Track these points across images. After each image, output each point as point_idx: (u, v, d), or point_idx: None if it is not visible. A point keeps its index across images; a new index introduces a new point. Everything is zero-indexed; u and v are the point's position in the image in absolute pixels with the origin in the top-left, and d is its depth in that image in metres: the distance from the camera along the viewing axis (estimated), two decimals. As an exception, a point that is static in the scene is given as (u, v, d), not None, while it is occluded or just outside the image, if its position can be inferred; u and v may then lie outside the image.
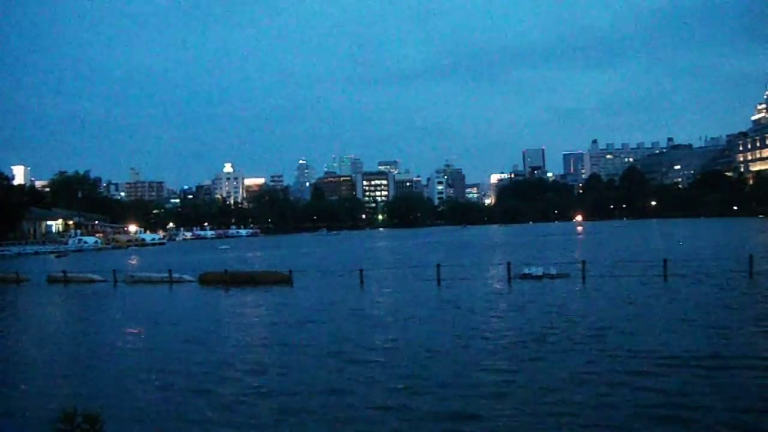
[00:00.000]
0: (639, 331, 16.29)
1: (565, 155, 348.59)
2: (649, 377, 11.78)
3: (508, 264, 30.15)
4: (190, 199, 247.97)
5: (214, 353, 15.78)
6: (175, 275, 34.96)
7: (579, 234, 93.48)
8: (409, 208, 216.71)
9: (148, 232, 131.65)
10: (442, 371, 12.73)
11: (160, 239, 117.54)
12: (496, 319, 19.18)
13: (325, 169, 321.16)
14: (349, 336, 17.00)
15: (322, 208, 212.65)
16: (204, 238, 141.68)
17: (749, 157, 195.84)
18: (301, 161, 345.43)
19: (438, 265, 30.96)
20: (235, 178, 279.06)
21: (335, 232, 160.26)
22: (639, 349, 14.04)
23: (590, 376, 11.96)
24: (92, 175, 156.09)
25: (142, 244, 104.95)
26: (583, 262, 29.75)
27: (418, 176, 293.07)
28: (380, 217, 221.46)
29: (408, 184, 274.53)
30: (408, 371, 12.88)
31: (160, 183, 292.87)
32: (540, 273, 29.65)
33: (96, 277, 38.23)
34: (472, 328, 17.57)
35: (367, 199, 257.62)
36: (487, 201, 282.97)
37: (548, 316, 18.91)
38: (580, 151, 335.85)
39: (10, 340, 19.71)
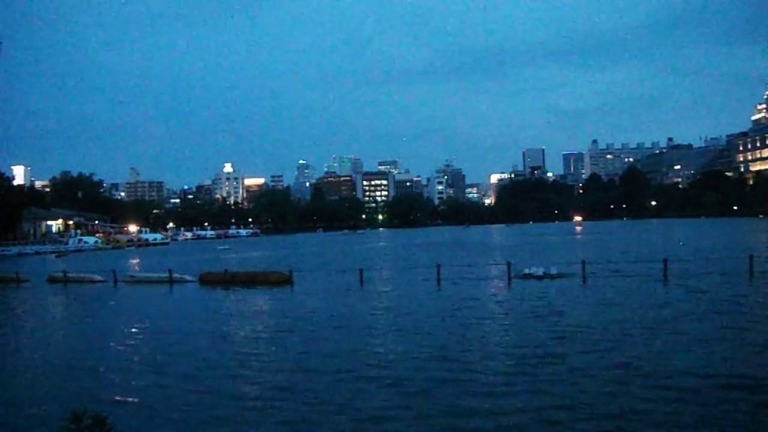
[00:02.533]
0: (639, 344, 15.03)
1: (565, 155, 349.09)
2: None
3: (509, 264, 30.17)
4: (190, 199, 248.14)
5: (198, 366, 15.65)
6: (175, 275, 34.96)
7: (579, 234, 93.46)
8: (409, 208, 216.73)
9: (160, 231, 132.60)
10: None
11: (162, 239, 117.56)
12: (493, 328, 18.46)
13: (325, 169, 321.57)
14: (341, 349, 15.57)
15: (322, 208, 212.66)
16: (204, 238, 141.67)
17: (749, 157, 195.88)
18: (301, 161, 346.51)
19: (438, 266, 30.98)
20: (235, 178, 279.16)
21: (361, 231, 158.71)
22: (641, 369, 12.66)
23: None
24: (93, 175, 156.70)
25: (146, 244, 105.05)
26: (583, 262, 29.75)
27: (418, 176, 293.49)
28: (380, 217, 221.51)
29: (408, 184, 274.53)
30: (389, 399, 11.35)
31: (160, 183, 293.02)
32: (540, 273, 29.67)
33: (96, 277, 38.23)
34: (467, 340, 16.10)
35: (367, 199, 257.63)
36: (487, 201, 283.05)
37: (548, 325, 17.63)
38: (580, 151, 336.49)
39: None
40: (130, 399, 11.92)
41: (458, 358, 14.08)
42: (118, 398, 11.94)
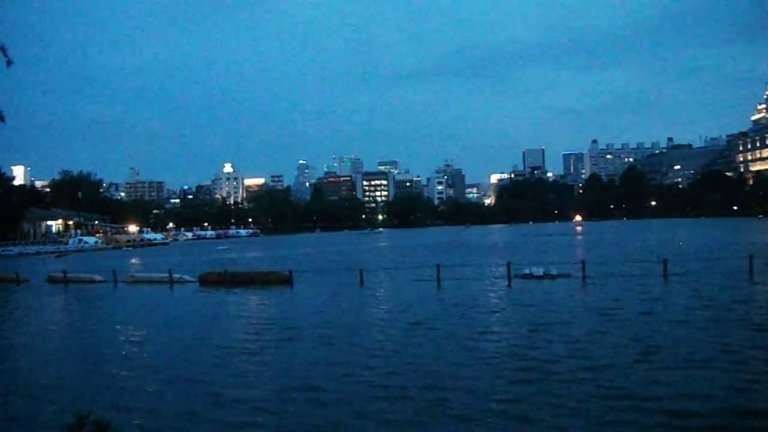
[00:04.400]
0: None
1: (565, 155, 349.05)
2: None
3: (509, 264, 30.16)
4: (190, 199, 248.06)
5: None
6: (175, 275, 34.96)
7: (579, 234, 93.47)
8: (409, 208, 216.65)
9: (160, 232, 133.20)
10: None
11: (162, 239, 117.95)
12: (492, 336, 18.21)
13: (325, 169, 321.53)
14: (338, 359, 14.50)
15: (322, 208, 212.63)
16: (204, 238, 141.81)
17: (749, 157, 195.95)
18: (301, 161, 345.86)
19: (438, 266, 30.97)
20: (235, 178, 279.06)
21: (377, 230, 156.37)
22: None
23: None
24: (92, 175, 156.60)
25: (147, 244, 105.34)
26: (583, 262, 29.79)
27: (418, 176, 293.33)
28: (380, 217, 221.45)
29: (408, 184, 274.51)
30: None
31: (160, 183, 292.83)
32: (541, 273, 29.72)
33: (96, 277, 38.26)
34: (468, 351, 14.79)
35: (367, 199, 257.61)
36: (487, 201, 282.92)
37: (549, 331, 16.99)
38: (580, 151, 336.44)
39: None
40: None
41: (453, 386, 11.89)
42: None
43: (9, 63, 6.64)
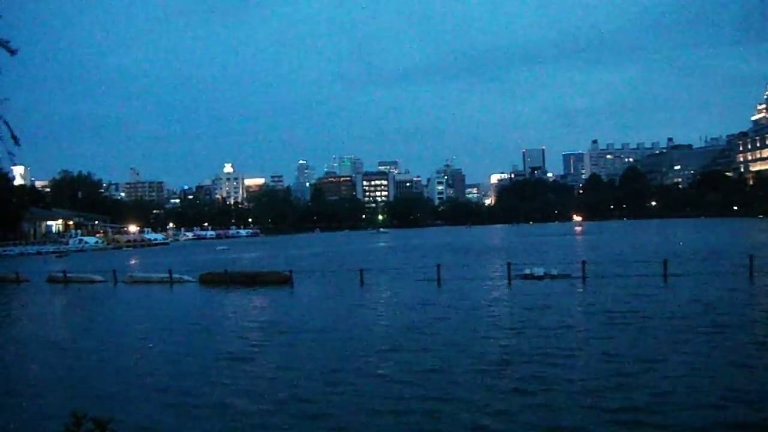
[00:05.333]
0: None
1: (565, 155, 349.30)
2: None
3: (509, 264, 30.14)
4: (190, 199, 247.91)
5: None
6: (175, 275, 34.95)
7: (579, 234, 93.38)
8: (409, 208, 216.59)
9: (160, 232, 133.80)
10: None
11: (163, 239, 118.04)
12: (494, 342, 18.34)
13: (325, 169, 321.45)
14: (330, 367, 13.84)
15: (322, 208, 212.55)
16: (204, 238, 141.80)
17: (749, 157, 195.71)
18: (301, 161, 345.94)
19: (438, 266, 30.95)
20: (235, 178, 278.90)
21: (384, 230, 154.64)
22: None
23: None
24: (92, 175, 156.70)
25: (148, 244, 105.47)
26: (583, 263, 29.79)
27: (418, 176, 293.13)
28: (380, 217, 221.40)
29: (408, 184, 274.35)
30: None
31: (160, 183, 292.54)
32: (541, 273, 29.71)
33: (96, 277, 38.26)
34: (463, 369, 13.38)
35: (367, 199, 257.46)
36: (487, 201, 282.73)
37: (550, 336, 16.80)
38: (580, 151, 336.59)
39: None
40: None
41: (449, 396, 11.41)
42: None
43: (13, 52, 6.52)
